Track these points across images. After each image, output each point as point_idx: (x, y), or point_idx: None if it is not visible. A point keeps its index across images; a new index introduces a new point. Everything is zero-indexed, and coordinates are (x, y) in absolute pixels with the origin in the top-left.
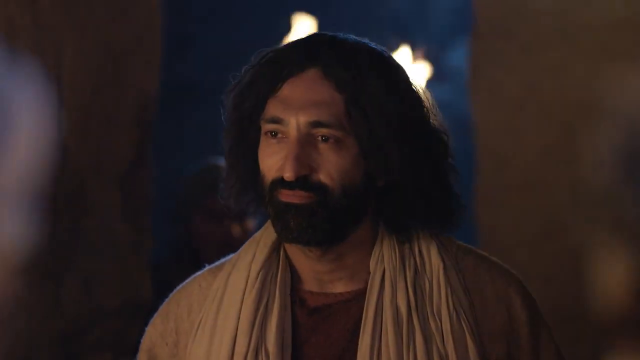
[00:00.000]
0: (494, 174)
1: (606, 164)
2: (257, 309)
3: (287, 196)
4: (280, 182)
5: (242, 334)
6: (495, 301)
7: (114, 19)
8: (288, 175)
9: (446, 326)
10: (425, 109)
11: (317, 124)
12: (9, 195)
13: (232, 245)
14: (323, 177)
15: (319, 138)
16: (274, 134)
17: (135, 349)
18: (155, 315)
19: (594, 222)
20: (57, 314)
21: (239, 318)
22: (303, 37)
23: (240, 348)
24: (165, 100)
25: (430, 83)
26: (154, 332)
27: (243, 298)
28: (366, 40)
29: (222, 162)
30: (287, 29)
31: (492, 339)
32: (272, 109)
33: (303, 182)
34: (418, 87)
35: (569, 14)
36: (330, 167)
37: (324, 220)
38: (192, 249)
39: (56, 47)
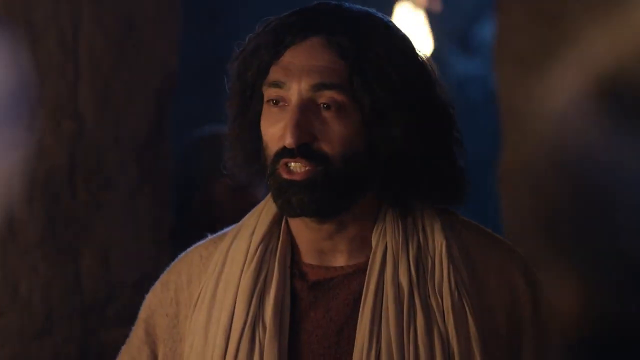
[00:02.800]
0: (519, 147)
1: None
2: (255, 282)
3: (289, 172)
4: (282, 152)
5: (240, 308)
6: (497, 279)
7: None
8: (289, 142)
9: (447, 304)
10: (430, 81)
11: (320, 86)
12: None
13: None
14: (325, 145)
15: (321, 106)
16: (275, 102)
17: None
18: (156, 283)
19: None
20: (76, 288)
21: (237, 291)
22: (307, 5)
23: (238, 322)
24: (194, 72)
25: (459, 57)
26: (153, 300)
27: (242, 271)
28: (372, 10)
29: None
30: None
31: (494, 316)
32: (274, 74)
33: (305, 150)
34: (424, 59)
35: None
36: (333, 135)
37: (326, 192)
38: (210, 219)
39: (73, 20)
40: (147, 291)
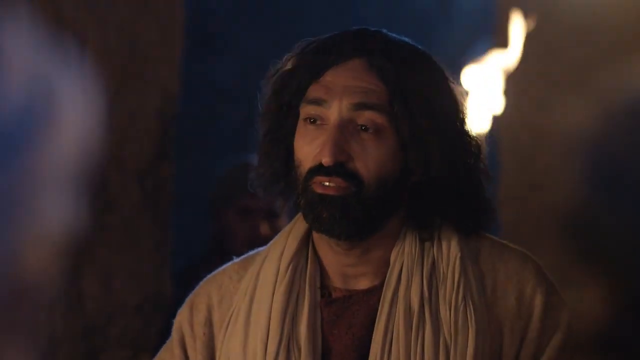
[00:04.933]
0: (517, 173)
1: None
2: (287, 303)
3: (323, 187)
4: (317, 170)
5: (274, 329)
6: (505, 285)
7: (136, 15)
8: (326, 159)
9: (453, 316)
10: (463, 110)
11: (360, 106)
12: (33, 193)
13: (260, 243)
14: (360, 166)
15: (359, 127)
16: (312, 121)
17: (156, 346)
18: (184, 306)
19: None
20: (78, 309)
21: (270, 312)
22: (346, 30)
23: (273, 342)
24: (191, 98)
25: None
26: (184, 323)
27: (274, 292)
28: (409, 40)
29: (254, 159)
30: (312, 28)
31: (500, 328)
32: (315, 91)
33: (340, 168)
34: (458, 89)
35: (591, 13)
36: (368, 157)
37: (358, 212)
38: (223, 247)
39: (78, 44)
40: (148, 313)
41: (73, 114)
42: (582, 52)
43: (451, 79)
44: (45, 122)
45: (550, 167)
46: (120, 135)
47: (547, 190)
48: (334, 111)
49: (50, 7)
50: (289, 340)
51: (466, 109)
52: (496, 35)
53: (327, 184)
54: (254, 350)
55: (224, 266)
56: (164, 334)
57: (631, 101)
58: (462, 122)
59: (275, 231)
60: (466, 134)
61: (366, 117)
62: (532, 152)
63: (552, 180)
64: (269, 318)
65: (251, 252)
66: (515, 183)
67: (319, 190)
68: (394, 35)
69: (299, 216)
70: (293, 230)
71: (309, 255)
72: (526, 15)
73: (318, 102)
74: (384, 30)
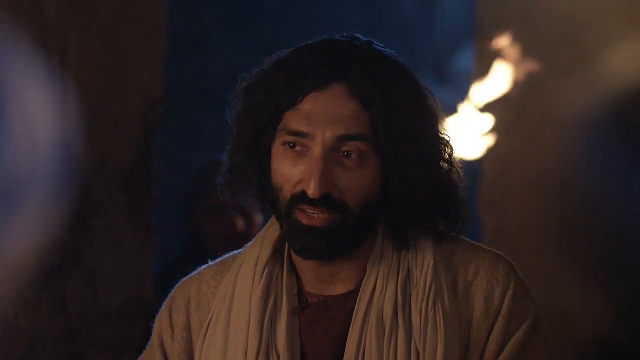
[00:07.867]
0: (498, 177)
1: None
2: (265, 310)
3: (308, 217)
4: (301, 198)
5: (253, 335)
6: (475, 288)
7: (119, 18)
8: (313, 192)
9: (423, 322)
10: (439, 116)
11: (344, 138)
12: (14, 196)
13: (236, 239)
14: (345, 194)
15: (342, 154)
16: (292, 145)
17: (138, 348)
18: (163, 309)
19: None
20: (61, 312)
21: (249, 319)
22: (322, 45)
23: (252, 349)
24: (175, 101)
25: (436, 87)
26: (165, 327)
27: (250, 299)
28: (380, 46)
29: (224, 157)
30: (295, 34)
31: (469, 326)
32: (295, 122)
33: (326, 200)
34: (430, 95)
35: (572, 16)
36: (353, 184)
37: (344, 238)
38: (200, 246)
39: (61, 47)
40: (131, 315)
41: (54, 118)
42: (563, 53)
43: (423, 86)
44: (26, 125)
45: (532, 170)
46: (103, 138)
47: (528, 195)
48: (318, 143)
49: (34, 12)
50: (268, 347)
51: (440, 113)
52: (477, 38)
53: (311, 213)
54: (235, 357)
55: (200, 269)
56: (147, 336)
57: (614, 100)
58: (440, 134)
59: (251, 227)
60: (442, 141)
61: (351, 145)
62: (514, 156)
63: (534, 184)
64: (248, 325)
65: (227, 256)
66: (496, 187)
67: (305, 222)
68: (364, 44)
69: (273, 220)
70: (267, 236)
71: (285, 263)
72: (506, 19)
73: (300, 134)
74: (355, 39)
